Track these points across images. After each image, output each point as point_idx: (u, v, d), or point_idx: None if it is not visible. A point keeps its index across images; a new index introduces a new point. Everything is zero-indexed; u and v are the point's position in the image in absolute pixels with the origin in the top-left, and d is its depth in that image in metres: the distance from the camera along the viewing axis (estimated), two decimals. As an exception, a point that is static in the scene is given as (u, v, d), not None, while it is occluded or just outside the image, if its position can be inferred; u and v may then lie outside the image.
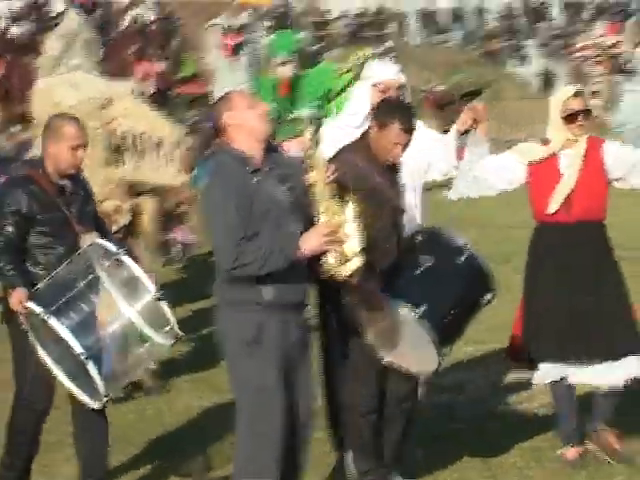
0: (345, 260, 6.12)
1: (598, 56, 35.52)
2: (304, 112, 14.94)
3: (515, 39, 40.28)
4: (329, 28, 38.10)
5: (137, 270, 6.81)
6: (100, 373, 6.50)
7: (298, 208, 6.29)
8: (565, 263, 7.84)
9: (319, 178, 6.22)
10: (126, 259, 6.82)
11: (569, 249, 7.88)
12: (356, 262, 6.15)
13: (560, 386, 7.92)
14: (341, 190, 6.33)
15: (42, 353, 6.74)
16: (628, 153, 8.16)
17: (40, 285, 6.89)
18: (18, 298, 6.73)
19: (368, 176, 7.17)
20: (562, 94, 8.15)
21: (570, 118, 7.79)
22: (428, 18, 41.44)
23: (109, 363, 6.76)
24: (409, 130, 7.22)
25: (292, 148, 9.85)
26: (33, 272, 7.07)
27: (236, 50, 28.60)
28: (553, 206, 7.72)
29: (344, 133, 8.13)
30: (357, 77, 16.12)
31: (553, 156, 7.84)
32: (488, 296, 7.14)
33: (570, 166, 7.78)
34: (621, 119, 29.97)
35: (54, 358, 6.73)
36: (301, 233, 6.18)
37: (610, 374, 7.71)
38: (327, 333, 7.39)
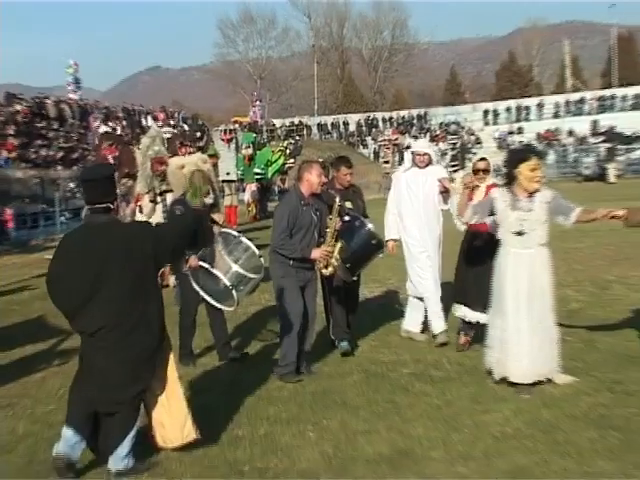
0: (326, 266, 10.34)
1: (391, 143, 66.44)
2: (257, 170, 39.62)
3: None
4: (274, 131, 68.21)
5: (249, 243, 10.71)
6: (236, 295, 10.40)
7: (318, 228, 10.40)
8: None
9: (334, 222, 10.40)
10: (243, 239, 10.77)
11: (471, 243, 10.97)
12: (331, 270, 10.44)
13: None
14: (337, 233, 10.51)
15: (196, 286, 10.57)
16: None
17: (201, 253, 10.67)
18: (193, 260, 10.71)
19: None
20: (475, 159, 11.38)
21: (476, 172, 10.85)
22: (322, 127, 76.25)
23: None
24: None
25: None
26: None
27: (229, 142, 44.96)
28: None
29: (398, 177, 12.50)
30: (284, 156, 42.42)
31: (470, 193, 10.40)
32: (380, 251, 11.30)
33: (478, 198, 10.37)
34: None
35: (205, 289, 10.58)
36: (316, 240, 10.34)
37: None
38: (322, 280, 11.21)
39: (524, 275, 9.11)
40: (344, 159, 12.21)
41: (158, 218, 17.81)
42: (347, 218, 10.95)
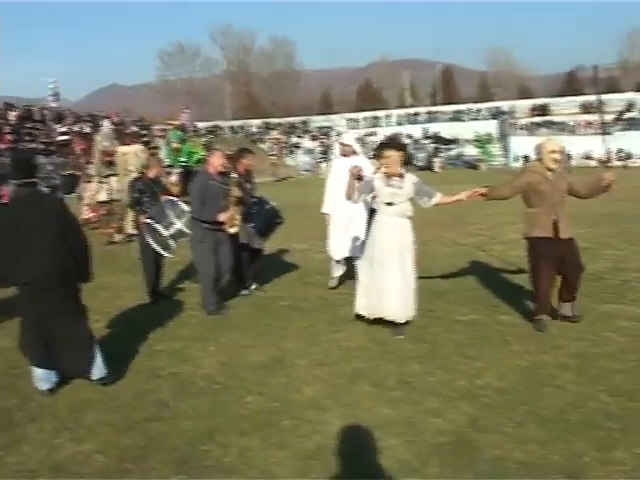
0: (231, 226, 9.95)
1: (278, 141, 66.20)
2: (182, 159, 40.62)
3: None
4: (197, 131, 67.58)
5: (184, 206, 10.04)
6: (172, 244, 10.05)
7: (224, 197, 9.92)
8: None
9: (234, 192, 10.05)
10: (180, 203, 10.18)
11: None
12: (235, 229, 10.06)
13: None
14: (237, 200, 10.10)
15: (150, 240, 10.03)
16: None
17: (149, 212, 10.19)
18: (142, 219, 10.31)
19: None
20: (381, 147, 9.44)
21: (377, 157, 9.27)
22: (232, 128, 75.37)
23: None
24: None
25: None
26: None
27: (162, 137, 43.80)
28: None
29: (335, 162, 11.54)
30: (203, 149, 42.63)
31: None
32: (280, 220, 10.90)
33: None
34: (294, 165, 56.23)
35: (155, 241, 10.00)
36: (223, 206, 9.76)
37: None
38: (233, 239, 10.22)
39: (391, 237, 8.64)
40: (247, 150, 11.85)
41: (103, 195, 18.00)
42: (256, 200, 10.72)
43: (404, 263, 8.63)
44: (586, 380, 6.73)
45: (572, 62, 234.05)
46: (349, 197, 8.97)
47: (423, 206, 8.85)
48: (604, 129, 62.09)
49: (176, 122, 60.48)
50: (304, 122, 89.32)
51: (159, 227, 9.91)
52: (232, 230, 10.11)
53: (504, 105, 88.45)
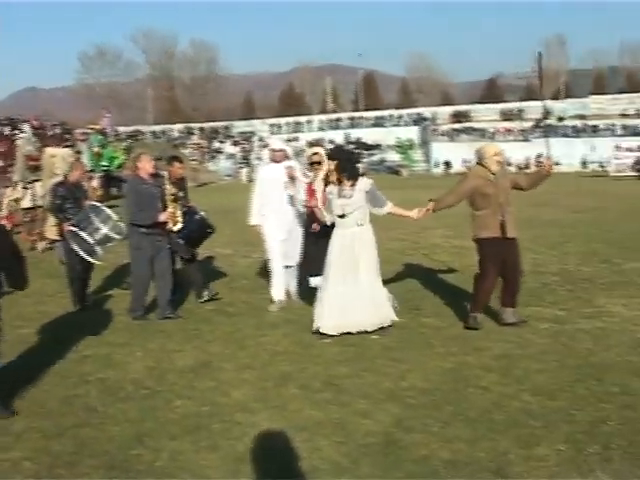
0: (174, 224, 9.89)
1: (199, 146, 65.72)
2: (104, 163, 40.27)
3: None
4: (118, 135, 66.68)
5: (109, 212, 9.84)
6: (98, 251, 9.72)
7: (160, 198, 9.82)
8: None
9: (168, 190, 10.04)
10: (104, 208, 9.94)
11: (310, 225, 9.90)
12: (179, 226, 9.98)
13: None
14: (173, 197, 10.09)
15: (76, 247, 9.71)
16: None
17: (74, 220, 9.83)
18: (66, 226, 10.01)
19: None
20: (309, 153, 10.32)
21: (312, 164, 10.08)
22: (154, 133, 74.21)
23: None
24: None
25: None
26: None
27: (83, 142, 45.66)
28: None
29: (262, 168, 11.21)
30: (123, 153, 42.28)
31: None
32: (211, 230, 10.49)
33: (317, 186, 9.69)
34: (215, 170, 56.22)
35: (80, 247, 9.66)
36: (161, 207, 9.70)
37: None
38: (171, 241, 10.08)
39: (346, 250, 8.62)
40: (177, 157, 11.83)
41: (27, 201, 17.66)
42: (185, 209, 10.36)
43: (365, 272, 8.65)
44: (509, 381, 6.88)
45: (492, 69, 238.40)
46: (322, 219, 9.00)
47: (376, 214, 8.91)
48: (546, 133, 63.14)
49: (97, 126, 60.01)
50: (226, 127, 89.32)
51: (84, 234, 9.72)
52: (176, 227, 10.02)
53: (425, 111, 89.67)
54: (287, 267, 10.49)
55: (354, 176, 8.81)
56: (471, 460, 5.14)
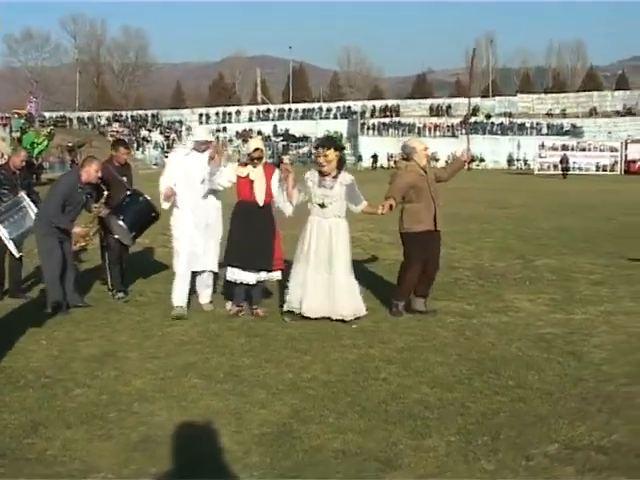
0: (75, 243, 9.64)
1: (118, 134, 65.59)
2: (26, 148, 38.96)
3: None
4: (44, 121, 65.54)
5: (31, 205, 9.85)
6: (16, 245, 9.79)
7: (83, 208, 9.57)
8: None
9: (97, 209, 9.63)
10: (28, 201, 9.90)
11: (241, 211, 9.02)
12: (78, 246, 9.98)
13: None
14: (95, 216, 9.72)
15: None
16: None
17: None
18: None
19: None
20: (251, 149, 9.19)
21: (253, 159, 9.01)
22: (80, 119, 72.78)
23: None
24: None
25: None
26: None
27: (4, 126, 47.02)
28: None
29: (178, 156, 9.86)
30: (45, 139, 41.46)
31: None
32: (155, 214, 9.78)
33: (257, 178, 8.98)
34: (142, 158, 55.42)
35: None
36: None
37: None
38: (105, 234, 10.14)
39: (322, 239, 8.74)
40: (122, 141, 11.58)
41: None
42: (129, 192, 9.93)
43: (337, 264, 8.78)
44: (410, 373, 6.98)
45: (422, 65, 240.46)
46: (291, 197, 8.97)
47: (352, 211, 9.11)
48: (468, 129, 63.96)
49: (22, 111, 59.17)
50: (154, 115, 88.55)
51: (1, 226, 9.60)
52: (76, 247, 9.88)
53: (355, 105, 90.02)
54: (196, 273, 9.60)
55: (340, 169, 8.96)
56: (362, 450, 5.20)
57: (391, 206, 9.04)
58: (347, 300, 8.81)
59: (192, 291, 9.61)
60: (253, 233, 9.00)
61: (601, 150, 70.50)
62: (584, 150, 69.20)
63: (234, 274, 9.12)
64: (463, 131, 79.42)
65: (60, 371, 7.06)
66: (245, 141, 79.43)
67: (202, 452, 5.22)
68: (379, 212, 9.07)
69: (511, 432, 5.52)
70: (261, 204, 9.08)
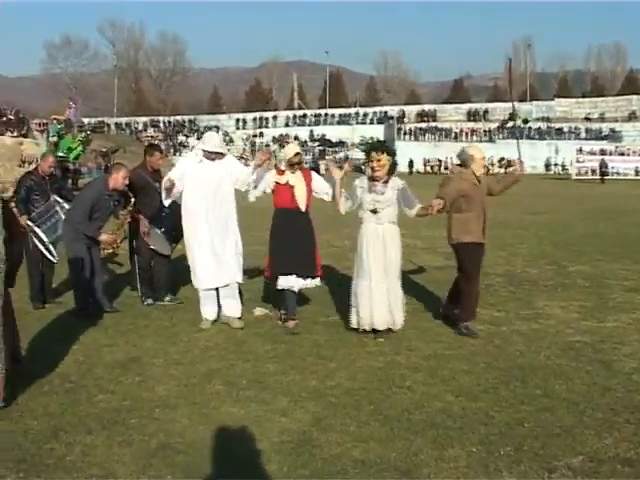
0: (104, 249, 9.48)
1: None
2: (60, 154, 38.86)
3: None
4: (83, 127, 66.09)
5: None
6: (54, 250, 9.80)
7: (111, 215, 9.62)
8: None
9: (124, 216, 9.55)
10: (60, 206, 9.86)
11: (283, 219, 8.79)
12: (106, 253, 9.67)
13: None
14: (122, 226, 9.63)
15: (36, 242, 9.66)
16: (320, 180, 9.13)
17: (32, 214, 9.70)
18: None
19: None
20: (291, 155, 8.84)
21: (292, 165, 8.74)
22: (118, 125, 73.14)
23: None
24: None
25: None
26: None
27: (42, 132, 51.40)
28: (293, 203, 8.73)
29: (189, 162, 9.20)
30: (79, 144, 41.59)
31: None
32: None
33: (297, 183, 8.74)
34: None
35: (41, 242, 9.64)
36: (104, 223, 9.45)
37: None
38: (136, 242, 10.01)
39: (378, 245, 8.42)
40: (156, 146, 11.31)
41: None
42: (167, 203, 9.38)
43: (392, 272, 8.51)
44: (435, 381, 6.91)
45: (460, 70, 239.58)
46: (338, 205, 8.74)
47: (407, 215, 8.73)
48: (516, 134, 63.42)
49: (61, 117, 59.48)
50: (191, 121, 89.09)
51: (39, 231, 9.63)
52: (104, 253, 9.70)
53: (391, 110, 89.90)
54: (218, 288, 9.18)
55: (391, 174, 8.65)
56: (381, 460, 5.14)
57: (441, 207, 8.64)
58: (400, 309, 8.56)
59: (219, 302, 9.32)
60: (298, 240, 8.82)
61: (640, 154, 69.75)
62: (623, 155, 68.46)
63: (286, 281, 8.84)
64: (500, 136, 79.27)
65: (84, 376, 7.09)
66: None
67: (220, 460, 5.19)
68: (430, 212, 8.68)
69: (535, 443, 5.43)
70: (303, 209, 8.89)
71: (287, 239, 8.80)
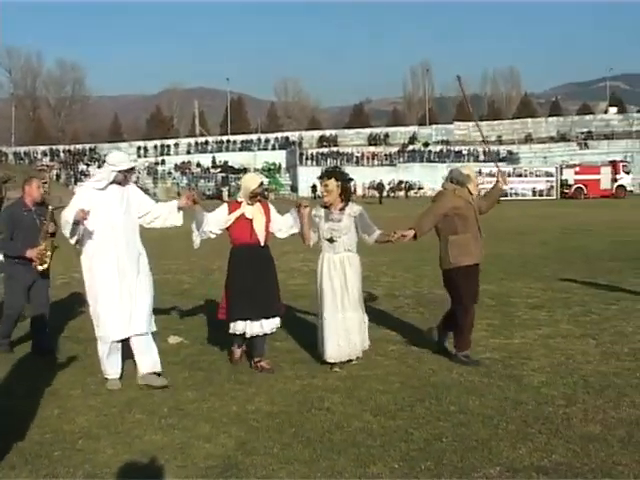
0: (41, 263, 8.72)
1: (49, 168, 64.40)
2: None
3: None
4: None
5: None
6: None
7: (38, 231, 8.75)
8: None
9: (46, 225, 8.75)
10: None
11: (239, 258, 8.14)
12: (45, 266, 8.82)
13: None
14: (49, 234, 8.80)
15: None
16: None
17: None
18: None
19: None
20: (254, 187, 8.17)
21: (254, 196, 8.05)
22: (16, 154, 71.52)
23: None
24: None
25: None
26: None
27: None
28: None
29: (89, 191, 7.70)
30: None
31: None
32: None
33: (256, 216, 8.14)
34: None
35: None
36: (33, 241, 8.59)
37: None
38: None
39: (335, 274, 8.16)
40: (39, 173, 11.06)
41: None
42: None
43: (348, 300, 8.21)
44: (353, 401, 7.05)
45: (360, 95, 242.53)
46: (306, 238, 8.46)
47: (365, 242, 8.50)
48: (494, 157, 64.13)
49: (-45, 146, 58.22)
50: (92, 149, 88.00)
51: None
52: (41, 267, 8.97)
53: (293, 135, 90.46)
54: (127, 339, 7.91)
55: (347, 200, 8.43)
56: (307, 480, 5.25)
57: (404, 237, 8.40)
58: (358, 337, 8.29)
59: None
60: (261, 278, 8.27)
61: (537, 175, 71.98)
62: (520, 176, 70.53)
63: (241, 327, 8.24)
64: (401, 159, 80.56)
65: (1, 411, 6.91)
66: (184, 174, 79.70)
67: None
68: (393, 239, 8.43)
69: (454, 457, 5.61)
70: (262, 244, 8.36)
71: (248, 279, 8.18)
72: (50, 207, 9.25)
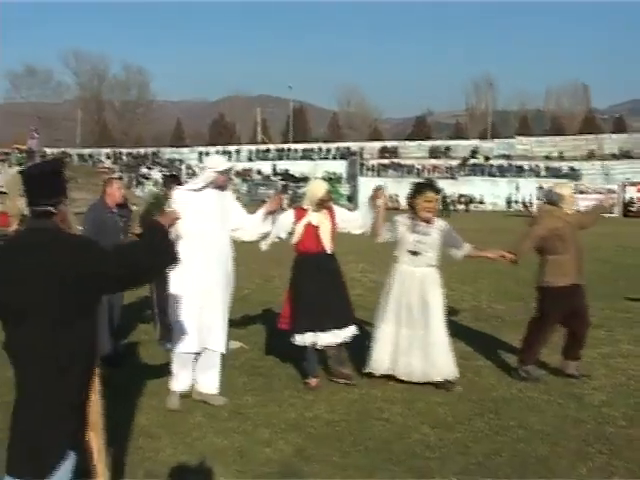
0: None
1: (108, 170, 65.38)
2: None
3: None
4: (45, 157, 65.76)
5: None
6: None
7: (122, 232, 8.70)
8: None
9: (135, 227, 8.74)
10: None
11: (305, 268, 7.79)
12: None
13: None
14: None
15: None
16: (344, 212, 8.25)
17: None
18: None
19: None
20: (322, 192, 7.88)
21: (320, 202, 7.73)
22: (81, 156, 72.62)
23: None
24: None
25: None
26: None
27: (2, 162, 50.95)
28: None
29: (184, 194, 7.12)
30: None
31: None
32: None
33: (322, 223, 7.78)
34: (142, 196, 56.25)
35: None
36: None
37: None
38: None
39: (413, 289, 7.85)
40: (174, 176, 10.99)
41: None
42: None
43: (433, 319, 7.85)
44: (412, 413, 7.07)
45: (422, 107, 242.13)
46: (377, 234, 8.17)
47: (453, 256, 8.30)
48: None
49: (23, 146, 59.24)
50: (154, 153, 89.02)
51: None
52: None
53: (354, 146, 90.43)
54: (199, 353, 7.43)
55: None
56: (365, 489, 5.27)
57: (506, 258, 8.46)
58: (445, 359, 7.88)
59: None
60: (330, 287, 7.90)
61: (599, 193, 70.98)
62: (582, 193, 69.65)
63: (310, 339, 7.89)
64: (462, 172, 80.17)
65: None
66: (245, 180, 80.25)
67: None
68: (491, 256, 8.51)
69: (512, 473, 5.60)
70: (329, 252, 8.03)
71: (317, 290, 7.77)
72: (134, 207, 9.22)
